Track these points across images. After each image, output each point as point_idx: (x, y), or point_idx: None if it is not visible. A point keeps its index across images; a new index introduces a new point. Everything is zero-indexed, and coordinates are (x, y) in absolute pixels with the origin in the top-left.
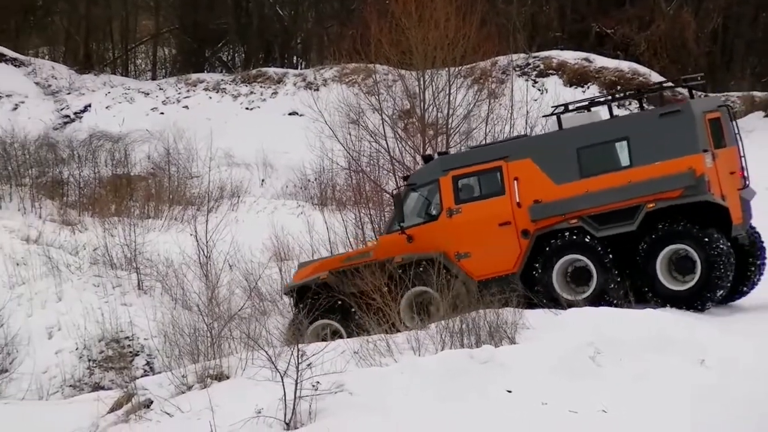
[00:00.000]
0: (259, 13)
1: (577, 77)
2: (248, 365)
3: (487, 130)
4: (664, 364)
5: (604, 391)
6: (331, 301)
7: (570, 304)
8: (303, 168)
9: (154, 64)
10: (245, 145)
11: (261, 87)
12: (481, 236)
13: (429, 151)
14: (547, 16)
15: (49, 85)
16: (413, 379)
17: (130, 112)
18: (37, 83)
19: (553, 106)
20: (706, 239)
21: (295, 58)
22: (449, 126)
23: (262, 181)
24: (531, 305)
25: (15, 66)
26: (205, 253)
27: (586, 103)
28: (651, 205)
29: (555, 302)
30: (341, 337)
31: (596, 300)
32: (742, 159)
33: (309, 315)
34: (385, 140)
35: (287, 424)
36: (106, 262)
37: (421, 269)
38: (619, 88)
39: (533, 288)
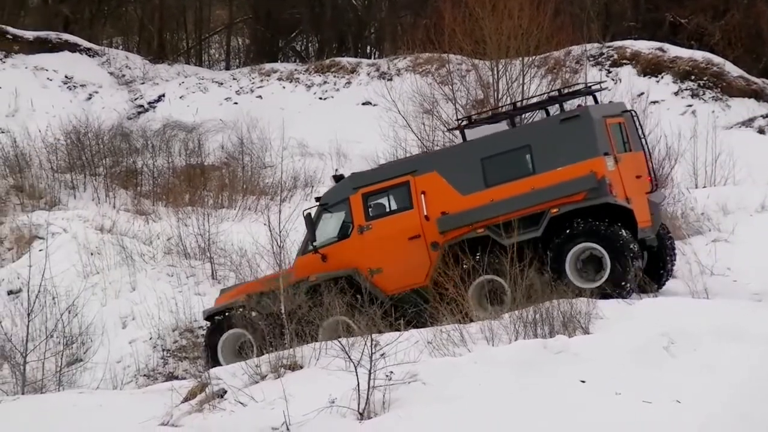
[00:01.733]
0: (333, 2)
1: (650, 67)
2: (322, 355)
3: None
4: (738, 355)
5: (677, 381)
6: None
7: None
8: (377, 158)
9: (227, 54)
10: (319, 135)
11: (334, 77)
12: (392, 251)
13: None
14: (621, 5)
15: (123, 75)
16: (487, 369)
17: (203, 101)
18: (111, 73)
19: (457, 119)
20: (611, 232)
21: (368, 47)
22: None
23: (336, 170)
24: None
25: (89, 56)
26: (279, 243)
27: (489, 115)
28: (555, 210)
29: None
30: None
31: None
32: (649, 163)
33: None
34: None
35: (361, 414)
36: (179, 251)
37: (337, 293)
38: (692, 78)
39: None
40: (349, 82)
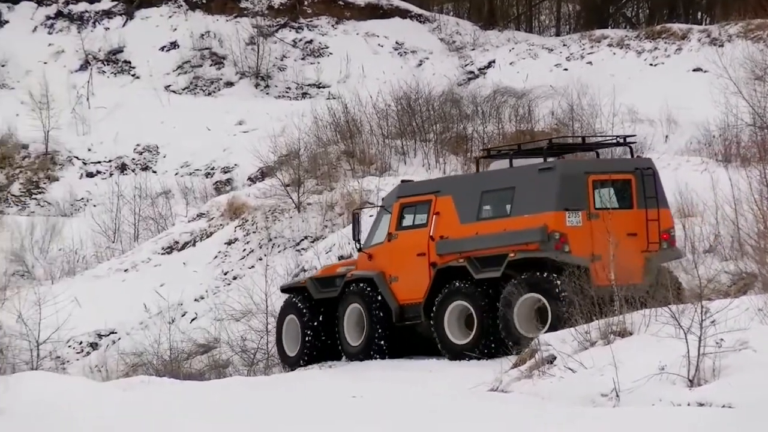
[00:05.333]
0: None
1: None
2: (652, 321)
3: None
4: None
5: None
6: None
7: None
8: (707, 124)
9: (558, 20)
10: (649, 102)
11: (665, 43)
12: (406, 263)
13: None
14: None
15: (454, 42)
16: None
17: (533, 68)
18: (441, 39)
19: (483, 149)
20: (556, 290)
21: (699, 13)
22: None
23: (666, 137)
24: None
25: (420, 22)
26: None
27: (510, 152)
28: (512, 255)
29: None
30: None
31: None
32: (654, 223)
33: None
34: None
35: (690, 381)
36: None
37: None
38: None
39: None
40: (679, 49)
